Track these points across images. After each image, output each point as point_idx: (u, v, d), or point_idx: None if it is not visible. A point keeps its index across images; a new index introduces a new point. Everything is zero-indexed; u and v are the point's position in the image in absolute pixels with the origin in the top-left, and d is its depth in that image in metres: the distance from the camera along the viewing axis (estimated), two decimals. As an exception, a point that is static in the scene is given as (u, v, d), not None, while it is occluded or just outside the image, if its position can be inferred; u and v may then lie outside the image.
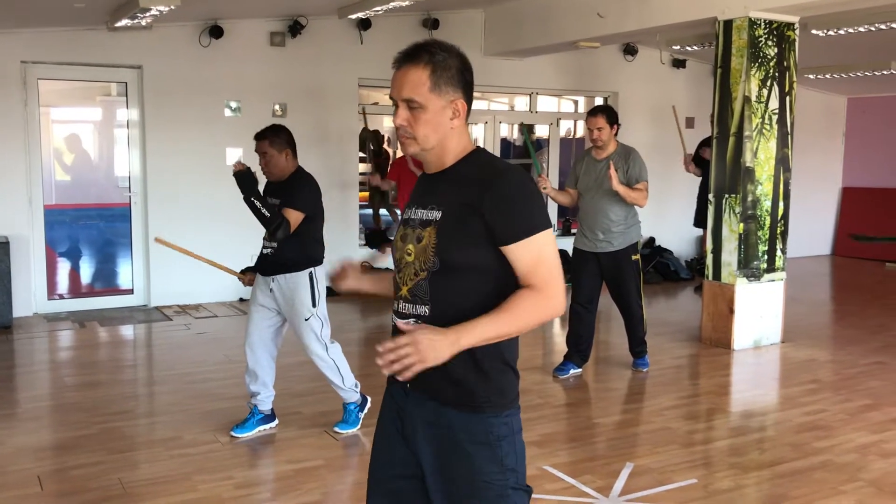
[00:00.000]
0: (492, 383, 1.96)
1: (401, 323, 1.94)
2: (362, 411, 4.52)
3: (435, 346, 1.80)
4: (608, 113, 5.49)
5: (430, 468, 1.99)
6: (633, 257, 5.56)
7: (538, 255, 1.90)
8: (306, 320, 4.27)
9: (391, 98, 1.98)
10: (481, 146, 2.08)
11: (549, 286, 1.90)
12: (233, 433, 4.43)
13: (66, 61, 7.35)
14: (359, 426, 4.46)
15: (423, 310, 1.95)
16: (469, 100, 1.98)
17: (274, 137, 4.21)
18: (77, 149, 8.35)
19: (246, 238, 8.08)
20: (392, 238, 8.56)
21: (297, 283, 4.26)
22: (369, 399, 4.57)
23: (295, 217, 4.17)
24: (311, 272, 4.27)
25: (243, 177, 4.21)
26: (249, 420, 4.49)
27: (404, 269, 2.00)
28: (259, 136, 4.24)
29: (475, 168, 1.96)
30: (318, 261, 4.34)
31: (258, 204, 4.16)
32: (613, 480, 3.89)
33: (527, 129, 5.41)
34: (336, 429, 4.45)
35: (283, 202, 4.20)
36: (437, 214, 1.95)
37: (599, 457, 4.25)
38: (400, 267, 2.02)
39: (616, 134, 5.53)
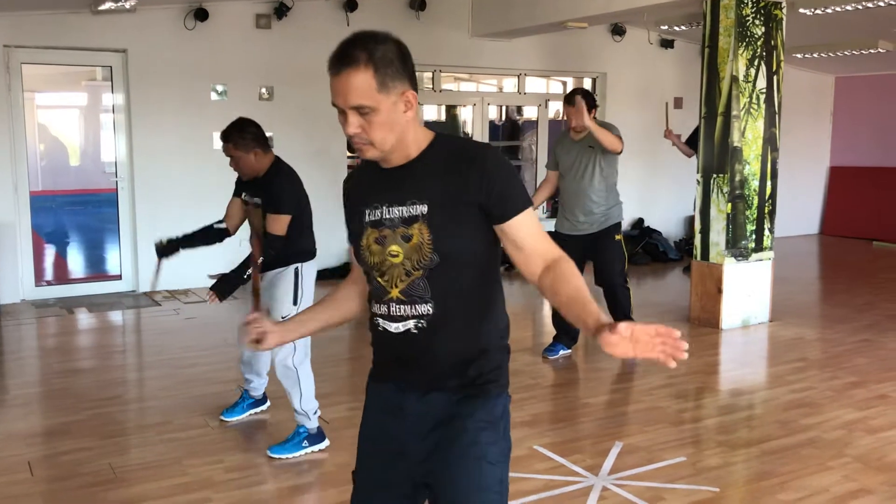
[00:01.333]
0: (493, 363, 1.96)
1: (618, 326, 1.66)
2: (311, 445, 3.96)
3: (619, 342, 1.64)
4: (588, 98, 5.40)
5: (433, 461, 1.94)
6: (616, 237, 5.52)
7: (535, 228, 1.89)
8: (283, 318, 3.86)
9: (334, 105, 1.84)
10: (439, 132, 2.00)
11: (555, 249, 1.89)
12: (223, 417, 4.43)
13: (49, 45, 7.28)
14: (296, 454, 3.93)
15: (426, 308, 1.89)
16: (415, 86, 1.87)
17: (238, 139, 3.93)
18: (64, 134, 8.29)
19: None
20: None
21: (282, 278, 4.04)
22: (326, 441, 4.03)
23: (282, 223, 3.93)
24: (297, 268, 4.03)
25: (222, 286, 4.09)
26: (239, 404, 4.48)
27: (389, 272, 1.90)
28: (223, 138, 3.98)
29: (449, 153, 1.89)
30: (306, 255, 4.09)
31: (249, 273, 3.95)
32: (603, 459, 3.92)
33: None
34: (269, 452, 3.94)
35: (265, 205, 3.98)
36: (422, 208, 1.86)
37: (589, 436, 4.28)
38: (382, 269, 1.92)
39: (594, 115, 5.41)
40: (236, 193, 4.31)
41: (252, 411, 4.49)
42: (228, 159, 4.05)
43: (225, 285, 4.02)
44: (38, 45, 7.26)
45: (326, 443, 4.00)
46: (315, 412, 3.99)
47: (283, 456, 3.91)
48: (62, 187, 8.23)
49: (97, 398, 4.83)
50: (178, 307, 7.26)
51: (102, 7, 6.72)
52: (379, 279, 1.94)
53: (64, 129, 8.32)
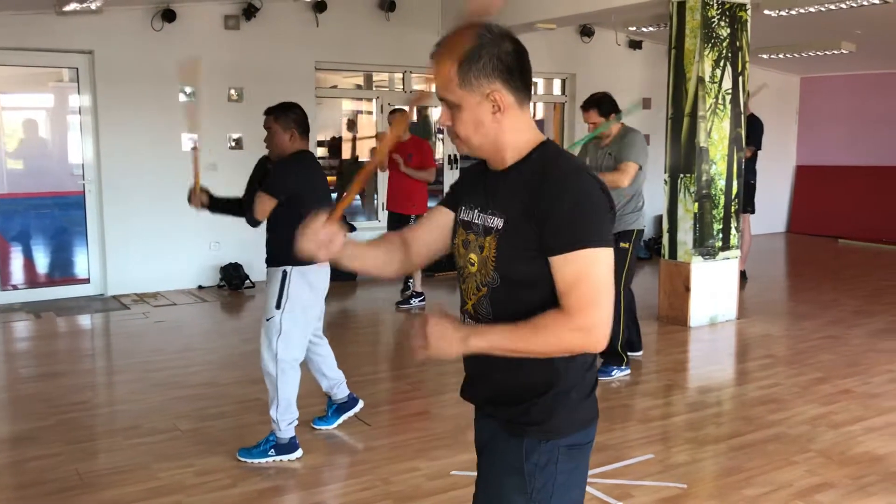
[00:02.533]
0: (544, 404, 1.75)
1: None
2: (278, 455, 3.89)
3: (444, 336, 1.66)
4: (599, 105, 5.18)
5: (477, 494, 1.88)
6: (622, 244, 5.14)
7: (579, 274, 1.64)
8: (267, 320, 3.90)
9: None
10: (551, 139, 1.82)
11: (581, 313, 1.63)
12: (313, 425, 4.34)
13: (13, 46, 7.18)
14: (262, 461, 3.87)
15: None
16: (516, 88, 1.72)
17: (281, 113, 3.92)
18: (30, 136, 8.18)
19: (203, 225, 8.01)
20: (353, 224, 8.45)
21: (271, 279, 3.93)
22: (300, 452, 3.94)
23: (263, 202, 3.79)
24: (285, 271, 3.87)
25: (210, 209, 4.10)
26: (328, 411, 4.40)
27: (468, 281, 1.82)
28: (268, 111, 3.97)
29: (537, 168, 1.72)
30: (299, 260, 4.06)
31: (230, 206, 4.02)
32: (572, 458, 3.94)
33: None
34: (238, 455, 3.91)
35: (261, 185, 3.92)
36: (498, 222, 1.74)
37: (559, 435, 4.31)
38: (463, 277, 1.84)
39: (618, 119, 5.20)
40: (253, 181, 4.14)
41: (342, 417, 4.37)
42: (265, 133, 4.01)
43: (220, 207, 4.10)
44: (3, 46, 7.16)
45: (298, 454, 3.93)
46: (290, 423, 3.91)
47: (249, 461, 3.88)
48: (28, 190, 8.10)
49: (65, 403, 4.78)
50: (147, 311, 7.20)
51: (67, 8, 6.65)
52: (461, 285, 1.86)
53: (30, 131, 8.20)
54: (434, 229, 1.97)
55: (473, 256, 1.79)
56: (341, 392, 4.36)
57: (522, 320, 1.68)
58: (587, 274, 1.64)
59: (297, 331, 3.91)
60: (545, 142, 1.78)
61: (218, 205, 4.13)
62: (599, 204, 1.68)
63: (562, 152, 1.79)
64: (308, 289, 3.92)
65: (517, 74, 1.73)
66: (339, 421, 4.37)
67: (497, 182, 1.79)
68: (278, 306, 3.86)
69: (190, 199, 4.12)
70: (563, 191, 1.66)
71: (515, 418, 1.78)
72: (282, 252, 3.85)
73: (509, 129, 1.74)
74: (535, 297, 1.71)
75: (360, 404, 4.45)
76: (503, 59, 1.70)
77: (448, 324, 1.67)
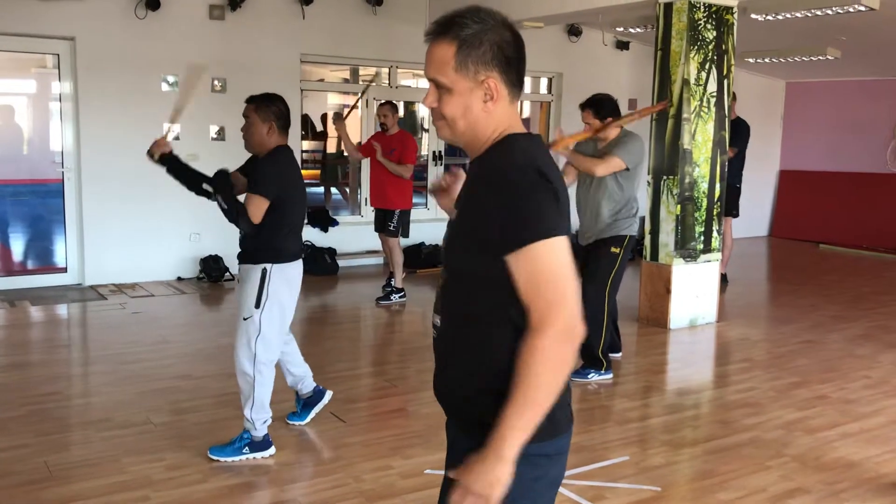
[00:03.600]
0: (486, 405, 1.67)
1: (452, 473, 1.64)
2: (252, 452, 3.84)
3: (487, 479, 1.55)
4: (597, 107, 5.11)
5: None
6: (613, 249, 5.07)
7: (533, 273, 1.56)
8: (244, 319, 3.79)
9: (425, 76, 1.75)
10: (519, 132, 1.73)
11: (552, 318, 1.54)
12: (287, 420, 4.28)
13: (-7, 31, 7.09)
14: (236, 459, 3.82)
15: (437, 320, 1.78)
16: (511, 79, 1.69)
17: (261, 103, 3.79)
18: (10, 122, 8.07)
19: (183, 216, 7.95)
20: (335, 218, 8.43)
21: (248, 276, 3.80)
22: (273, 449, 3.90)
23: (256, 204, 3.67)
24: (264, 268, 3.75)
25: (167, 165, 3.86)
26: (298, 408, 4.34)
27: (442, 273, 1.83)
28: (249, 100, 3.84)
29: (490, 160, 1.69)
30: (278, 256, 3.78)
31: (220, 199, 3.71)
32: (547, 458, 3.93)
33: None
34: (209, 452, 3.85)
35: (248, 185, 3.79)
36: (454, 215, 1.76)
37: (535, 435, 4.29)
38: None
39: (608, 124, 5.11)
40: (241, 171, 4.00)
41: (313, 411, 4.31)
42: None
43: (177, 167, 3.90)
44: (-18, 30, 7.07)
45: (271, 451, 3.89)
46: (264, 422, 3.86)
47: (223, 459, 3.82)
48: (7, 176, 8.00)
49: (36, 394, 4.71)
50: (124, 301, 7.12)
51: (49, -7, 6.56)
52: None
53: (11, 118, 8.09)
54: None
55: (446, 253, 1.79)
56: (307, 387, 4.31)
57: (463, 314, 1.69)
58: (541, 271, 1.56)
59: (275, 330, 3.84)
60: (510, 135, 1.71)
61: (178, 167, 3.91)
62: (532, 192, 1.58)
63: (514, 146, 1.69)
64: (286, 286, 3.85)
65: (514, 66, 1.70)
66: (311, 415, 4.33)
67: (468, 173, 1.81)
68: (258, 305, 3.77)
69: (152, 149, 3.90)
70: (494, 186, 1.61)
71: (466, 417, 1.75)
72: (261, 249, 3.79)
73: (494, 121, 1.70)
74: (477, 294, 1.66)
75: (329, 395, 4.39)
76: (503, 49, 1.67)
77: (474, 473, 1.57)
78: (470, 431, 1.71)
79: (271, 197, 3.70)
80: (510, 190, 1.59)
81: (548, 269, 1.57)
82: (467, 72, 1.66)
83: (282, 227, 3.79)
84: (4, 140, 8.01)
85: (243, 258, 3.87)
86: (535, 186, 1.60)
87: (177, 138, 7.93)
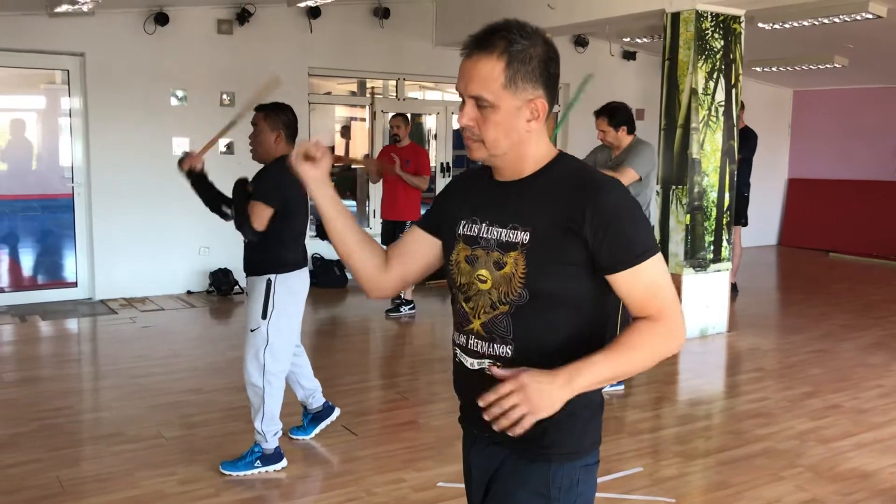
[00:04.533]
0: (567, 424, 1.67)
1: (495, 370, 1.59)
2: (264, 466, 3.83)
3: (547, 392, 1.52)
4: (611, 115, 5.10)
5: None
6: None
7: (651, 283, 1.61)
8: (252, 331, 3.79)
9: (457, 90, 1.67)
10: (564, 151, 1.74)
11: (670, 317, 1.62)
12: (290, 435, 4.26)
13: (3, 48, 7.13)
14: (248, 473, 3.80)
15: (505, 350, 1.66)
16: (552, 96, 1.65)
17: (271, 111, 3.80)
18: (20, 137, 8.12)
19: (193, 230, 7.97)
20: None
21: (253, 288, 3.82)
22: (284, 462, 3.89)
23: (259, 211, 3.64)
24: (269, 279, 3.76)
25: (192, 181, 3.91)
26: (304, 422, 4.33)
27: (475, 299, 1.69)
28: (258, 108, 3.86)
29: (568, 178, 1.64)
30: (282, 267, 3.78)
31: (226, 210, 3.79)
32: (560, 470, 3.91)
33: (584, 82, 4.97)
34: (221, 467, 3.83)
35: (252, 194, 3.76)
36: (523, 236, 1.63)
37: (547, 447, 4.27)
38: (468, 295, 1.71)
39: (630, 133, 5.12)
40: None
41: (319, 427, 4.29)
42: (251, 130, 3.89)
43: (202, 186, 3.92)
44: (-7, 47, 7.12)
45: (283, 464, 3.88)
46: (275, 434, 3.85)
47: (235, 474, 3.81)
48: (18, 192, 8.05)
49: (47, 409, 4.72)
50: (134, 315, 7.14)
51: (59, 9, 6.60)
52: (463, 304, 1.73)
53: (21, 133, 8.14)
54: (406, 253, 1.86)
55: (485, 273, 1.67)
56: (317, 401, 4.30)
57: (546, 338, 1.64)
58: (659, 281, 1.63)
59: (283, 341, 3.84)
60: (562, 153, 1.72)
61: (205, 185, 3.94)
62: (639, 206, 1.66)
63: (584, 163, 1.71)
64: (292, 296, 3.85)
65: (554, 85, 1.67)
66: (317, 430, 4.31)
67: (512, 193, 1.68)
68: (264, 316, 3.76)
69: (184, 160, 3.94)
70: (609, 201, 1.60)
71: (534, 442, 1.67)
72: (266, 259, 3.79)
73: (535, 138, 1.66)
74: (560, 314, 1.64)
75: (337, 412, 4.38)
76: (549, 66, 1.63)
77: (541, 376, 1.54)
78: (534, 456, 1.71)
79: (275, 205, 3.68)
80: (622, 205, 1.61)
81: (661, 278, 1.64)
82: (516, 89, 1.60)
83: (285, 237, 3.79)
84: (15, 155, 8.06)
85: (249, 270, 3.87)
86: (633, 200, 1.65)
87: (186, 153, 7.96)
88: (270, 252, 3.78)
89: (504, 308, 1.65)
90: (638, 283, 1.61)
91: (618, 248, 1.59)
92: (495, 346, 1.67)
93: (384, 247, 1.89)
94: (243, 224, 3.69)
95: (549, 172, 1.67)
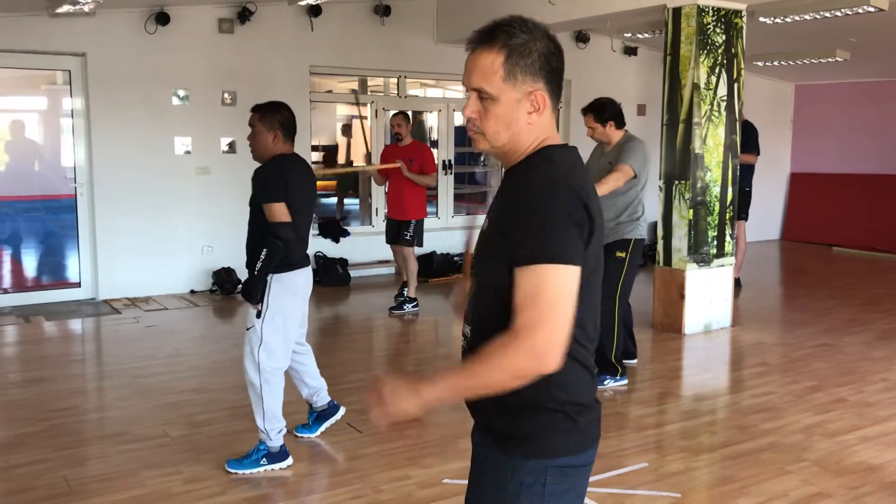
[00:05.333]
0: (523, 420, 1.68)
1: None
2: (270, 464, 3.84)
3: (398, 394, 1.58)
4: (597, 111, 5.11)
5: None
6: (618, 254, 5.03)
7: (534, 290, 1.53)
8: (247, 329, 3.82)
9: (463, 84, 1.71)
10: (556, 144, 1.73)
11: (531, 332, 1.51)
12: (296, 433, 4.26)
13: (5, 48, 7.13)
14: (254, 471, 3.81)
15: (468, 330, 1.76)
16: (554, 90, 1.68)
17: (268, 113, 3.77)
18: (22, 138, 8.13)
19: (196, 229, 7.98)
20: (347, 228, 8.42)
21: None
22: (290, 460, 3.90)
23: (276, 210, 3.64)
24: (265, 278, 3.75)
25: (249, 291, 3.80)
26: (309, 419, 4.34)
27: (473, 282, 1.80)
28: (254, 109, 3.83)
29: (522, 173, 1.68)
30: (280, 266, 3.73)
31: (260, 268, 3.70)
32: (565, 466, 3.91)
33: None
34: (227, 466, 3.83)
35: (254, 196, 3.73)
36: (486, 223, 1.74)
37: (552, 443, 4.27)
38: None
39: (619, 127, 5.14)
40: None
41: (324, 425, 4.30)
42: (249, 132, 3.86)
43: (249, 287, 3.78)
44: (-6, 48, 7.12)
45: (289, 461, 3.89)
46: (279, 431, 3.85)
47: (241, 472, 3.80)
48: (20, 192, 8.05)
49: (53, 409, 4.73)
50: (138, 315, 7.14)
51: (60, 10, 6.61)
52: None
53: (22, 134, 8.15)
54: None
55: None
56: (322, 399, 4.30)
57: (492, 326, 1.62)
58: (541, 291, 1.53)
59: (278, 339, 3.83)
60: (547, 147, 1.70)
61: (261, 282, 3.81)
62: (564, 217, 1.56)
63: (551, 159, 1.67)
64: (288, 295, 3.83)
65: (557, 76, 1.68)
66: (322, 429, 4.31)
67: (503, 183, 1.77)
68: (258, 315, 3.77)
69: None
70: (529, 200, 1.59)
71: (501, 431, 1.70)
72: (259, 258, 3.75)
73: (533, 131, 1.68)
74: (497, 303, 1.62)
75: (342, 411, 4.38)
76: (550, 59, 1.66)
77: (398, 380, 1.61)
78: (498, 441, 1.72)
79: (282, 198, 3.66)
80: (537, 204, 1.58)
81: (548, 293, 1.53)
82: (515, 82, 1.63)
83: (289, 228, 3.74)
84: (17, 156, 8.06)
85: (249, 266, 3.84)
86: (564, 206, 1.57)
87: (188, 152, 7.99)
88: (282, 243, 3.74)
89: (472, 290, 1.76)
90: (521, 285, 1.55)
91: (519, 244, 1.56)
92: (466, 325, 1.78)
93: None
94: (279, 235, 3.63)
95: (521, 166, 1.70)
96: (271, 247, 3.66)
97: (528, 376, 1.55)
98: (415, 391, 1.58)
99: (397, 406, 1.58)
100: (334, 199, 12.64)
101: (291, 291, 3.85)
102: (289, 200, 3.70)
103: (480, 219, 1.86)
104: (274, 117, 3.79)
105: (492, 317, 1.65)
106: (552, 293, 1.53)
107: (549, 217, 1.56)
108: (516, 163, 1.71)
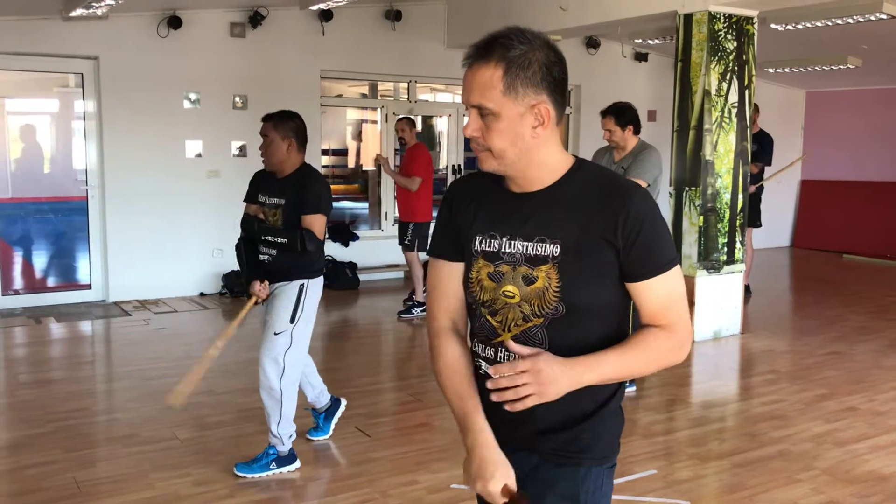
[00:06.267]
0: (594, 429, 1.69)
1: (513, 345, 1.58)
2: (279, 467, 3.85)
3: (557, 379, 1.54)
4: (618, 114, 5.06)
5: None
6: None
7: (670, 293, 1.62)
8: (276, 334, 3.80)
9: (463, 103, 1.65)
10: (580, 157, 1.72)
11: (681, 330, 1.65)
12: (308, 436, 4.28)
13: (19, 51, 7.18)
14: (263, 475, 3.82)
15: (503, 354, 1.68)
16: (558, 101, 1.62)
17: (280, 121, 3.80)
18: (34, 141, 8.18)
19: (206, 232, 8.00)
20: (356, 232, 8.41)
21: (284, 293, 3.82)
22: (298, 463, 3.92)
23: (319, 225, 3.73)
24: (302, 284, 3.81)
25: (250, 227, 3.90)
26: (318, 422, 4.35)
27: (503, 312, 1.65)
28: (265, 118, 3.87)
29: (594, 185, 1.61)
30: (314, 271, 3.85)
31: (271, 238, 3.77)
32: (574, 472, 3.90)
33: None
34: (236, 469, 3.83)
35: (297, 206, 3.76)
36: (553, 249, 1.60)
37: (561, 449, 4.26)
38: (494, 308, 1.67)
39: (636, 133, 5.10)
40: (250, 199, 4.02)
41: (333, 421, 4.33)
42: (261, 142, 3.89)
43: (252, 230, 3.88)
44: (8, 51, 7.16)
45: (297, 464, 3.91)
46: (290, 437, 3.87)
47: (250, 476, 3.81)
48: (32, 194, 8.10)
49: (63, 410, 4.74)
50: (147, 317, 7.17)
51: (74, 13, 6.65)
52: (489, 318, 1.69)
53: (35, 136, 8.20)
54: (451, 297, 1.78)
55: (512, 289, 1.64)
56: (325, 398, 4.33)
57: (579, 347, 1.61)
58: (677, 291, 1.64)
59: (303, 344, 3.89)
60: (581, 159, 1.69)
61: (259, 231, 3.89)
62: (663, 221, 1.66)
63: (606, 169, 1.71)
64: (315, 301, 3.91)
65: (561, 87, 1.62)
66: (333, 425, 4.34)
67: (533, 204, 1.65)
68: (293, 319, 3.80)
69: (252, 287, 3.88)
70: (639, 211, 1.59)
71: (564, 447, 1.69)
72: (300, 266, 3.82)
73: (545, 146, 1.62)
74: (595, 323, 1.65)
75: (344, 402, 4.44)
76: (551, 69, 1.59)
77: (556, 364, 1.55)
78: (563, 455, 1.71)
79: (327, 213, 3.79)
80: (648, 214, 1.61)
81: (679, 290, 1.66)
82: (517, 95, 1.56)
83: (320, 244, 3.83)
84: (29, 159, 8.11)
85: (278, 277, 3.84)
86: (660, 212, 1.66)
87: (199, 155, 8.03)
88: (307, 259, 3.81)
89: (538, 321, 1.63)
90: (659, 292, 1.62)
91: (646, 257, 1.60)
92: (496, 351, 1.69)
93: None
94: (306, 241, 3.70)
95: (573, 180, 1.64)
96: (306, 242, 3.70)
97: (672, 364, 1.69)
98: (577, 378, 1.57)
99: (553, 392, 1.55)
100: (341, 204, 12.66)
101: (317, 296, 3.92)
102: (327, 215, 3.84)
103: None
104: (287, 126, 3.82)
105: (581, 341, 1.63)
106: (682, 291, 1.67)
107: (663, 222, 1.64)
108: (557, 181, 1.65)
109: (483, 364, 1.72)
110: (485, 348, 1.71)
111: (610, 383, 1.67)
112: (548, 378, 1.53)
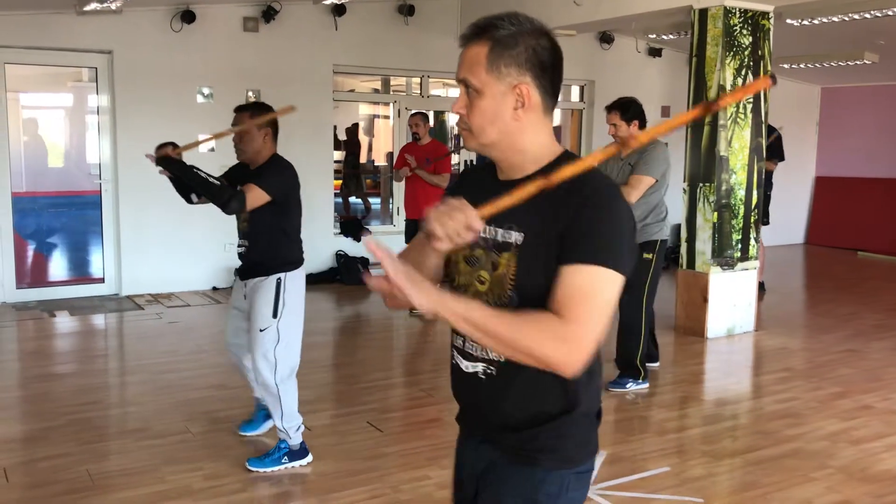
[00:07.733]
0: (558, 430, 1.65)
1: (370, 244, 1.50)
2: (291, 461, 3.86)
3: (420, 284, 1.45)
4: (623, 109, 5.03)
5: None
6: (645, 255, 4.98)
7: (584, 290, 1.48)
8: (261, 331, 3.76)
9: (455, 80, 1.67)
10: (569, 150, 1.68)
11: (575, 328, 1.46)
12: (240, 432, 4.28)
13: (33, 45, 7.21)
14: (275, 469, 3.82)
15: (492, 354, 1.64)
16: (545, 87, 1.59)
17: (256, 113, 3.79)
18: (48, 135, 8.21)
19: (218, 227, 7.99)
20: (368, 227, 8.41)
21: (261, 288, 3.80)
22: (310, 457, 3.92)
23: (256, 195, 3.67)
24: (279, 279, 3.78)
25: (164, 162, 3.92)
26: (257, 417, 4.31)
27: (474, 300, 1.59)
28: (240, 109, 3.87)
29: (568, 180, 1.53)
30: (290, 264, 3.84)
31: (202, 175, 3.73)
32: (586, 469, 3.88)
33: None
34: (248, 464, 3.83)
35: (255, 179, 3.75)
36: (518, 237, 1.58)
37: (573, 445, 4.24)
38: (466, 295, 1.64)
39: (642, 128, 5.05)
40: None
41: (270, 423, 4.27)
42: (232, 137, 3.86)
43: (174, 166, 3.97)
44: (23, 45, 7.19)
45: (309, 458, 3.91)
46: (297, 428, 3.85)
47: (262, 470, 3.81)
48: (46, 188, 8.14)
49: (76, 403, 4.76)
50: (160, 311, 7.19)
51: (88, 8, 6.66)
52: None
53: (48, 130, 8.23)
54: (414, 264, 1.63)
55: (484, 274, 1.63)
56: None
57: None
58: (594, 293, 1.48)
59: (293, 337, 3.86)
60: (568, 152, 1.65)
61: (184, 169, 3.92)
62: (628, 231, 1.54)
63: (593, 168, 1.59)
64: (297, 293, 3.88)
65: (549, 73, 1.59)
66: (268, 428, 4.27)
67: (512, 192, 1.60)
68: (275, 315, 3.78)
69: (163, 146, 3.94)
70: (597, 206, 1.52)
71: (525, 445, 1.66)
72: (274, 259, 3.82)
73: (529, 132, 1.60)
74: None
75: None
76: (538, 53, 1.58)
77: (414, 281, 1.44)
78: (525, 455, 1.67)
79: (275, 196, 3.72)
80: (604, 207, 1.52)
81: (599, 296, 1.49)
82: (499, 73, 1.57)
83: (290, 237, 3.84)
84: (42, 153, 8.15)
85: (253, 272, 3.85)
86: (631, 225, 1.56)
87: (212, 150, 8.03)
88: (278, 250, 3.83)
89: (485, 291, 1.64)
90: (573, 284, 1.48)
91: (579, 242, 1.50)
92: (490, 350, 1.62)
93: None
94: (233, 197, 3.66)
95: (563, 170, 1.57)
96: (234, 195, 3.66)
97: (546, 364, 1.47)
98: (437, 294, 1.46)
99: (412, 292, 1.44)
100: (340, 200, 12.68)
101: (299, 288, 3.90)
102: (288, 203, 3.80)
103: None
104: (263, 115, 3.81)
105: None
106: (603, 299, 1.49)
107: (619, 227, 1.53)
108: (536, 171, 1.60)
109: (454, 353, 1.74)
110: (456, 337, 1.72)
111: (479, 336, 1.48)
112: (408, 280, 1.44)
